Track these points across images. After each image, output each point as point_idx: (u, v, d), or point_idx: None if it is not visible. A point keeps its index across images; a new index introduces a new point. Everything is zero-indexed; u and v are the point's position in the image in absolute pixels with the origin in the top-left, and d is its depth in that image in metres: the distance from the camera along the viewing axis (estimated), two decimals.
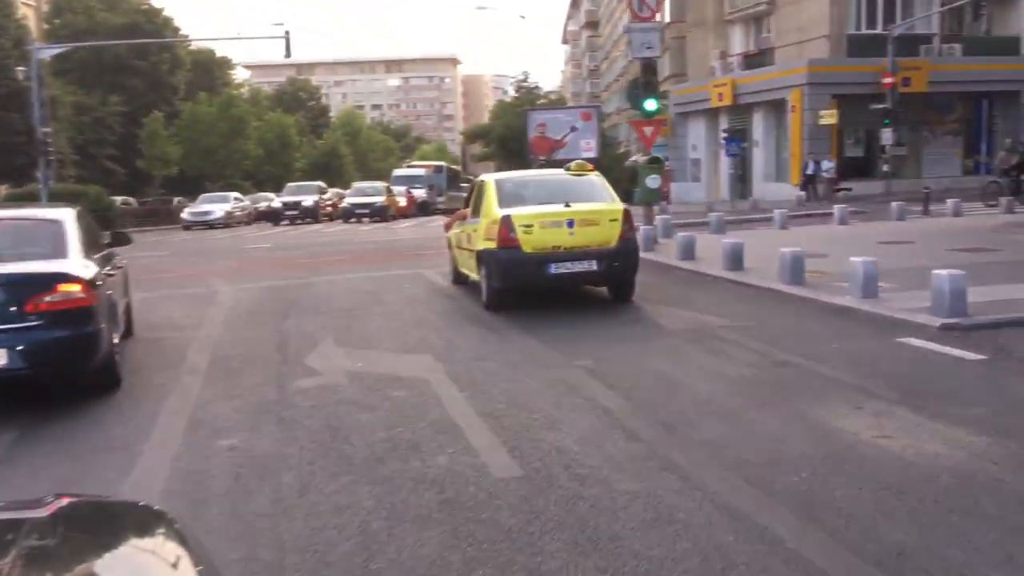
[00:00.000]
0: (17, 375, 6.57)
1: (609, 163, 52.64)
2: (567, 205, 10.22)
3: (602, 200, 10.68)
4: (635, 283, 10.76)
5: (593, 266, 10.09)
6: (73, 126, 47.89)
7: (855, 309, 9.25)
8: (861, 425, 5.55)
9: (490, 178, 11.56)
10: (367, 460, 5.31)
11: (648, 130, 17.28)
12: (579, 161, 11.58)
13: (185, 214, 39.97)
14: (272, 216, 40.89)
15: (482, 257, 10.60)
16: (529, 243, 9.99)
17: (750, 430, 5.60)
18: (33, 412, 6.70)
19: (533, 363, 7.73)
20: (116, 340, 7.70)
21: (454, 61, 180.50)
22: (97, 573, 1.55)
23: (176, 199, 47.30)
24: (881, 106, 32.49)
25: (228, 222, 38.74)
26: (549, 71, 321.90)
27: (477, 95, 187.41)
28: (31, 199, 34.90)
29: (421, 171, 50.21)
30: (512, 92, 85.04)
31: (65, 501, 1.77)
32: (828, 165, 32.55)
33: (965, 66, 34.13)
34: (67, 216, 7.84)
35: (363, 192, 40.81)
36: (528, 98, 72.36)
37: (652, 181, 16.99)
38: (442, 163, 59.48)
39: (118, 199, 43.92)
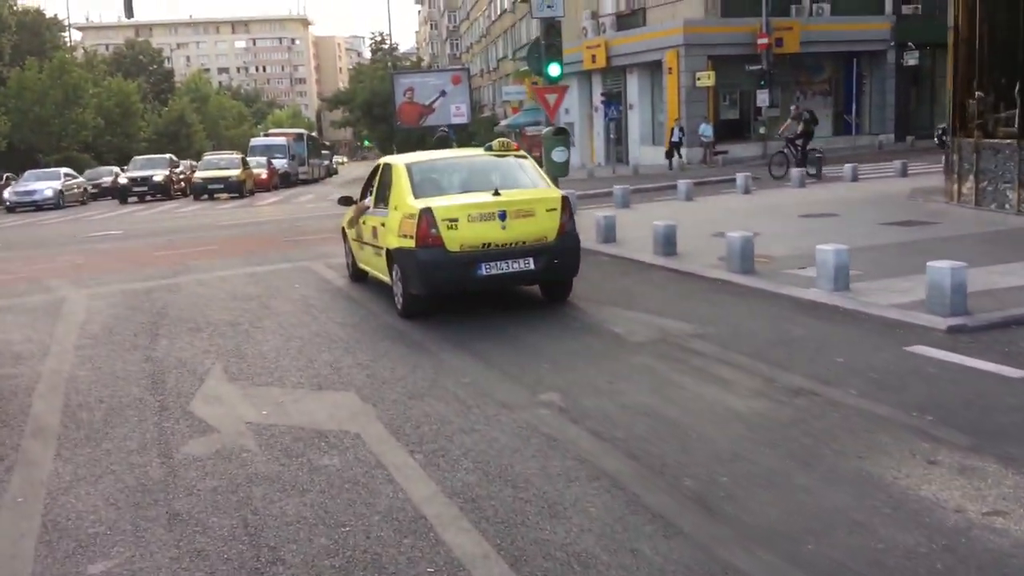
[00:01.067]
0: None
1: (477, 129, 51.21)
2: (496, 193, 8.65)
3: (535, 186, 9.14)
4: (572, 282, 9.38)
5: (530, 264, 8.57)
6: None
7: (832, 307, 8.14)
8: (955, 493, 4.32)
9: (399, 161, 9.80)
10: None
11: (551, 97, 15.86)
12: (502, 139, 9.85)
13: (7, 194, 35.58)
14: (117, 192, 37.00)
15: (395, 257, 8.92)
16: (454, 240, 8.39)
17: (816, 507, 4.29)
18: None
19: (488, 401, 6.21)
20: None
21: (304, 22, 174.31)
22: None
23: (5, 175, 42.61)
24: (757, 67, 32.15)
25: (60, 202, 34.68)
26: (403, 32, 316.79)
27: (330, 57, 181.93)
28: None
29: (282, 140, 47.33)
30: (368, 54, 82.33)
31: None
32: (706, 128, 32.03)
33: (833, 26, 34.22)
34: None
35: (215, 165, 36.38)
36: (386, 60, 69.85)
37: (559, 154, 15.58)
38: (303, 131, 56.60)
39: None
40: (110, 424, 6.21)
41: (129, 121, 61.75)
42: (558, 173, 15.89)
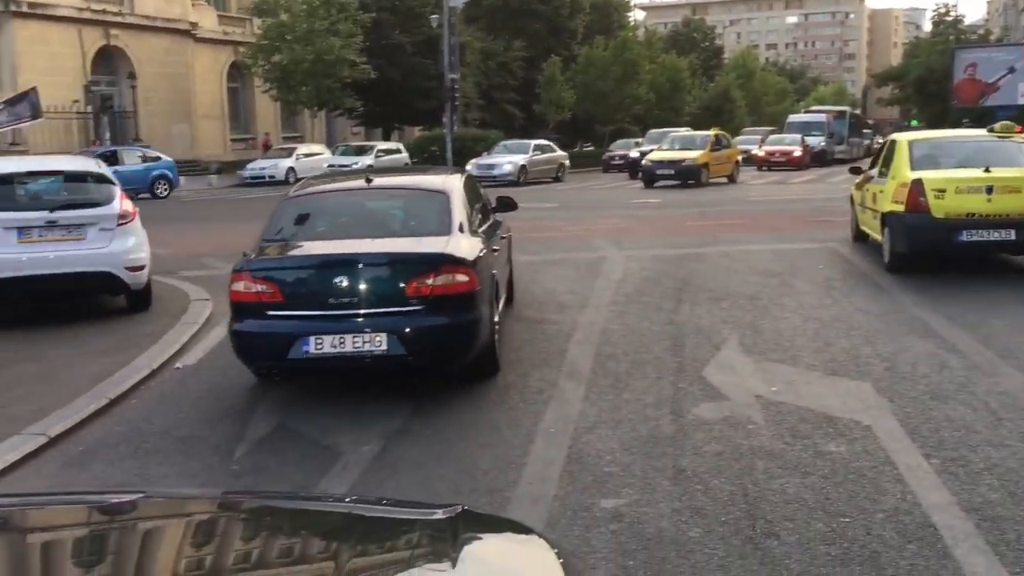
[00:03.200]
0: (396, 362, 6.13)
1: None
2: (987, 170, 9.69)
3: None
4: None
5: (1011, 235, 9.59)
6: (479, 71, 50.04)
7: None
8: None
9: (903, 138, 11.43)
10: None
11: None
12: (1005, 122, 10.72)
13: (469, 166, 28.41)
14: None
15: (887, 220, 10.42)
16: (940, 208, 9.65)
17: None
18: (400, 416, 5.90)
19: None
20: (496, 319, 6.90)
21: None
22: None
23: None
24: None
25: (520, 178, 31.01)
26: (972, 2, 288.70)
27: (884, 32, 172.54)
28: (437, 143, 37.08)
29: (821, 117, 46.09)
30: (928, 27, 76.55)
31: (459, 509, 1.78)
32: None
33: None
34: (453, 187, 7.28)
35: (674, 143, 29.93)
36: (948, 34, 64.33)
37: None
38: (845, 108, 54.66)
39: None
40: (632, 377, 6.73)
41: (677, 96, 64.86)
42: None
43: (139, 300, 9.31)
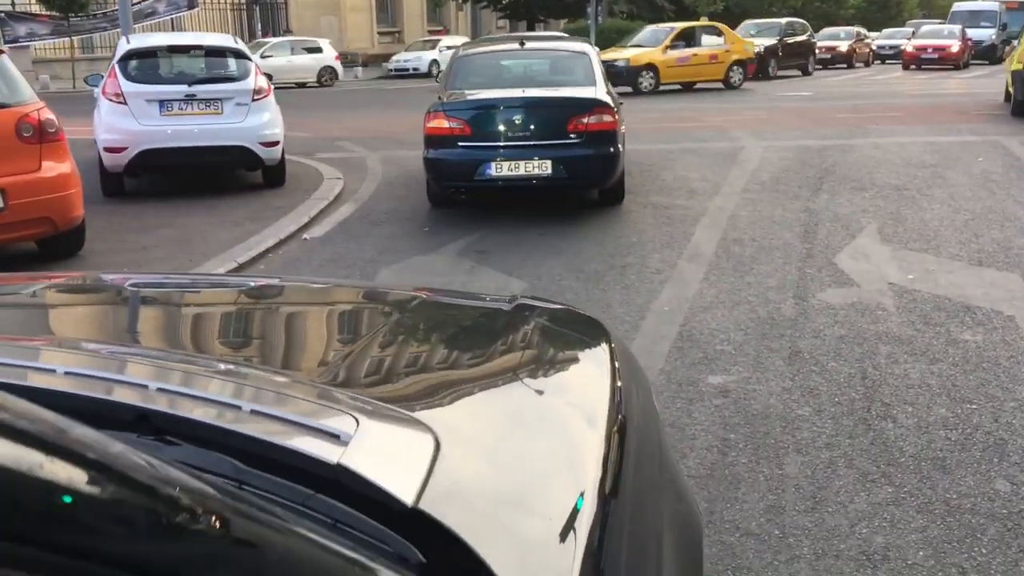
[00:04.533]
0: (558, 183, 7.87)
1: None
2: None
3: None
4: None
5: None
6: None
7: None
8: None
9: None
10: (919, 462, 3.46)
11: None
12: None
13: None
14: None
15: (1014, 77, 13.86)
16: None
17: None
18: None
19: None
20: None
21: None
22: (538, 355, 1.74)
23: None
24: None
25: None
26: None
27: None
28: (581, 35, 36.03)
29: (994, 6, 41.80)
30: None
31: (520, 300, 1.99)
32: None
33: None
34: (591, 50, 9.08)
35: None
36: None
37: None
38: None
39: None
40: (756, 261, 6.45)
41: None
42: None
43: (274, 176, 9.55)
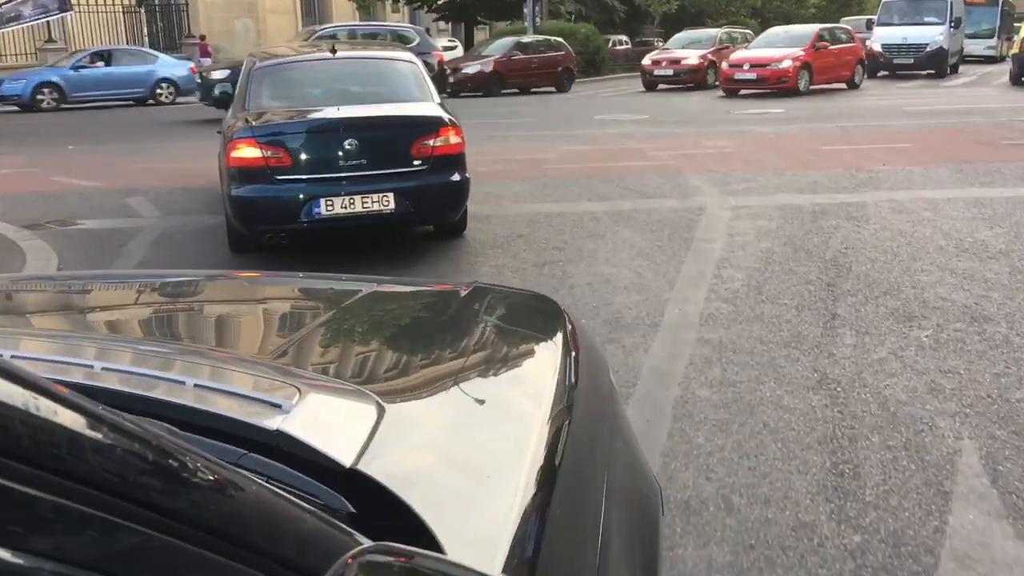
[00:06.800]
0: (402, 218, 6.62)
1: None
2: None
3: None
4: None
5: None
6: None
7: None
8: None
9: None
10: None
11: None
12: None
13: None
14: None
15: (1014, 60, 19.86)
16: None
17: None
18: None
19: None
20: None
21: None
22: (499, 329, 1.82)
23: (658, 40, 40.85)
24: None
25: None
26: None
27: None
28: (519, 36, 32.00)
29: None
30: None
31: (477, 284, 2.02)
32: None
33: None
34: (415, 58, 7.69)
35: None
36: None
37: None
38: None
39: (612, 38, 40.41)
40: None
41: None
42: None
43: None
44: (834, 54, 22.10)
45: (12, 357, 1.13)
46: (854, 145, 11.79)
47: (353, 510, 0.97)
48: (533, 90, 24.77)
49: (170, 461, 0.70)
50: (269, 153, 6.24)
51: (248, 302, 2.02)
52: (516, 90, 24.45)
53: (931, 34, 25.68)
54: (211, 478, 0.73)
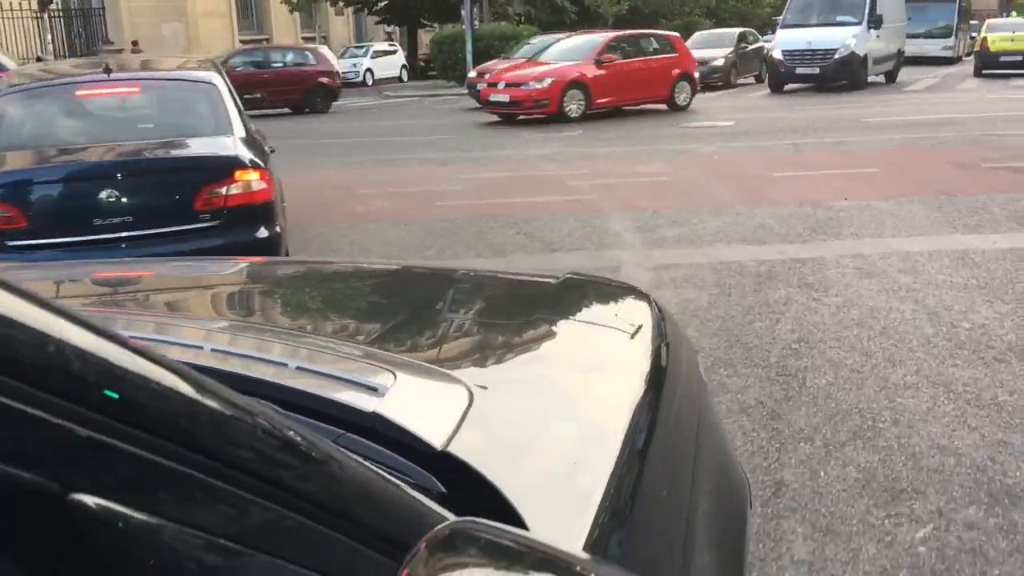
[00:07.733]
0: None
1: None
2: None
3: None
4: None
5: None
6: None
7: None
8: None
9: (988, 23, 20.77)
10: None
11: None
12: None
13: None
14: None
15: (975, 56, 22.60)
16: (993, 46, 20.96)
17: None
18: None
19: None
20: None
21: None
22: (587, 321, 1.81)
23: None
24: None
25: None
26: None
27: None
28: (458, 41, 29.89)
29: None
30: None
31: (568, 274, 2.00)
32: None
33: None
34: (216, 76, 5.87)
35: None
36: None
37: None
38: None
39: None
40: None
41: None
42: None
43: None
44: (635, 69, 17.83)
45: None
46: (808, 170, 10.02)
47: (443, 489, 1.01)
48: None
49: (290, 439, 0.72)
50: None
51: (346, 289, 2.09)
52: None
53: (841, 37, 21.16)
54: (317, 456, 0.75)
